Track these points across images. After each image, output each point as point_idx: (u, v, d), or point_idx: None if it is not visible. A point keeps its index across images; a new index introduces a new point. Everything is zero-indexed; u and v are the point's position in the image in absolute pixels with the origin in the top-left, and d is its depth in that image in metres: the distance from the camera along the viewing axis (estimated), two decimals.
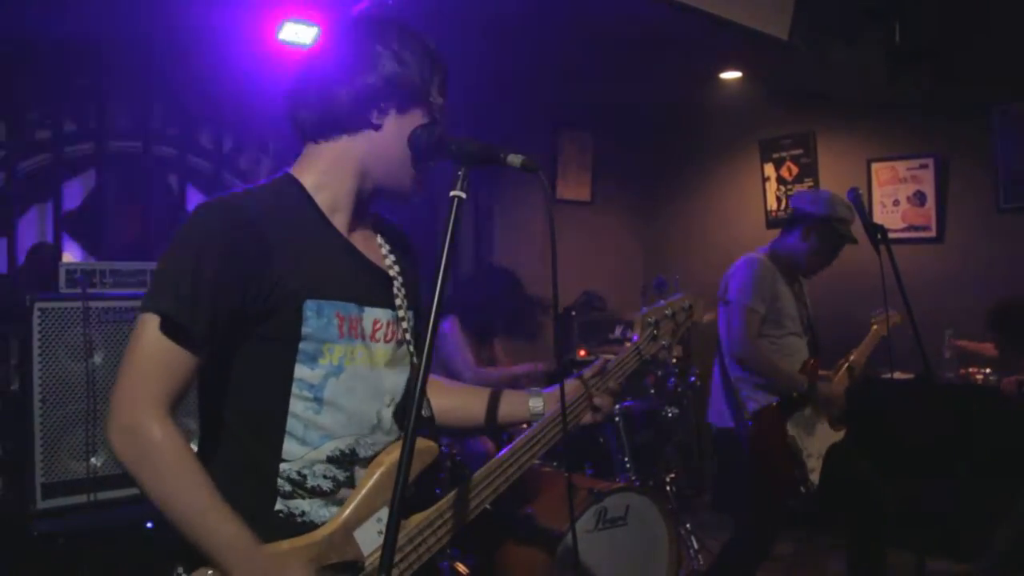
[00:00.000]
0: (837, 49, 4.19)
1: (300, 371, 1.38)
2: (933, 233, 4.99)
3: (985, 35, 4.54)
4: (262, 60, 3.75)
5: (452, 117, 1.53)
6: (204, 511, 1.27)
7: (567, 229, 5.58)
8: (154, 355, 1.29)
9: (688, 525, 4.24)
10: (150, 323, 1.30)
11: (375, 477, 1.43)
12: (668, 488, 4.32)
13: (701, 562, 4.09)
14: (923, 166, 5.01)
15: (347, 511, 1.41)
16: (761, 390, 3.30)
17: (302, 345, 1.37)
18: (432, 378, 1.69)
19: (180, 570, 1.32)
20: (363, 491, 1.42)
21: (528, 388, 1.77)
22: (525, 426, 1.72)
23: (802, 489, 3.26)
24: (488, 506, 1.59)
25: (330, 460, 1.41)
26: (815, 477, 3.28)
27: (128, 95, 4.08)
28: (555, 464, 3.39)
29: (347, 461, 1.42)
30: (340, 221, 1.48)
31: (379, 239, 1.58)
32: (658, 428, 4.49)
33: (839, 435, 3.42)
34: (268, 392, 1.38)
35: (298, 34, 3.74)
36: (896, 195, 5.12)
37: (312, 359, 1.38)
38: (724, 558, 3.43)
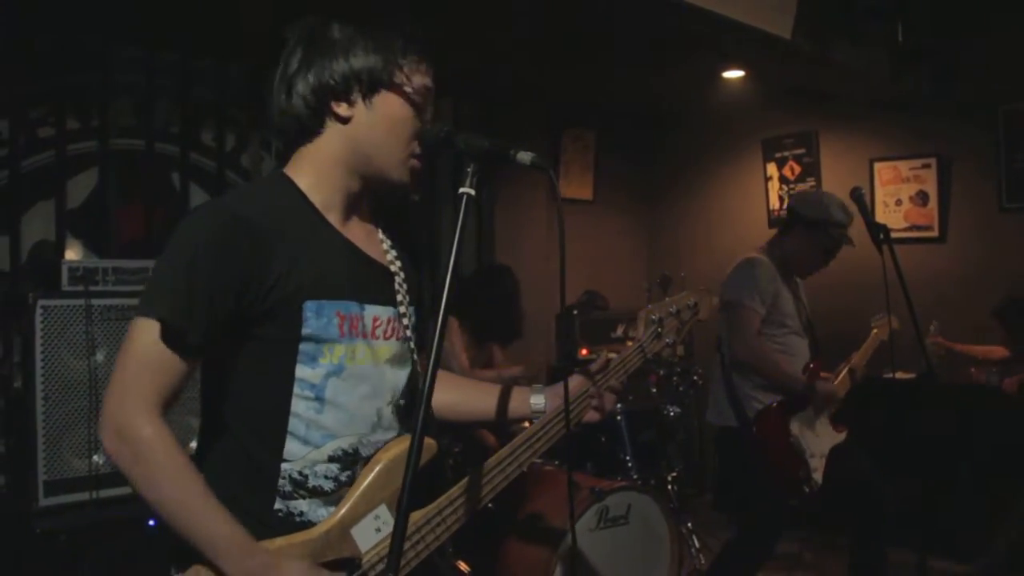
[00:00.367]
0: (840, 48, 4.18)
1: (301, 371, 1.38)
2: (936, 233, 4.98)
3: (988, 34, 4.54)
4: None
5: (456, 115, 1.54)
6: (196, 509, 1.28)
7: (569, 228, 5.41)
8: (147, 359, 1.30)
9: (690, 524, 4.23)
10: (144, 328, 1.30)
11: (372, 475, 1.43)
12: (670, 487, 4.31)
13: (703, 561, 4.09)
14: (926, 166, 5.00)
15: (344, 509, 1.41)
16: (762, 389, 3.29)
17: (302, 346, 1.37)
18: None
19: (173, 570, 1.33)
20: (360, 489, 1.42)
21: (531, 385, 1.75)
22: (526, 424, 1.71)
23: (805, 489, 3.26)
24: (489, 504, 1.58)
25: (332, 460, 1.41)
26: (818, 477, 3.28)
27: (131, 93, 4.08)
28: (556, 462, 3.39)
29: (350, 460, 1.42)
30: (336, 218, 1.47)
31: (380, 234, 1.58)
32: (660, 427, 4.49)
33: (842, 435, 3.42)
34: (269, 392, 1.38)
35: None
36: (899, 195, 5.11)
37: (313, 359, 1.38)
38: (726, 557, 3.42)
